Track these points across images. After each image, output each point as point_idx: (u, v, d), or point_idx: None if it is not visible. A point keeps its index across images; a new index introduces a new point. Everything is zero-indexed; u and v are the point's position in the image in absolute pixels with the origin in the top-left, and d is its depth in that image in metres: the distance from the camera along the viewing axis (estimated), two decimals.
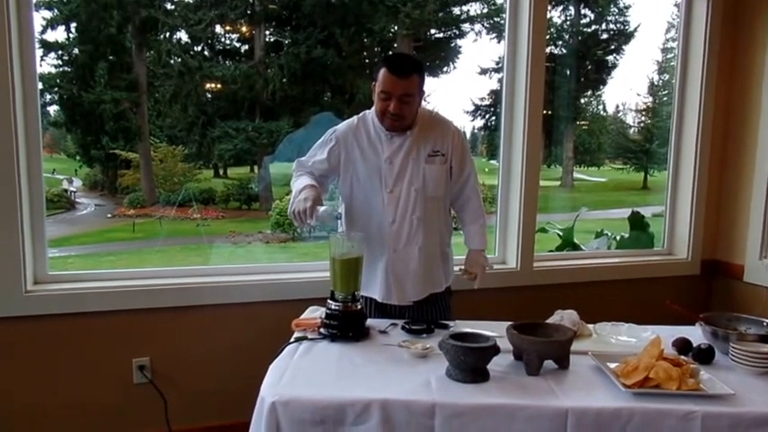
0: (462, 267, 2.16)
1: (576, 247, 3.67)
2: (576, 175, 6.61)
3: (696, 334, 1.85)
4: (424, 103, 2.01)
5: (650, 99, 6.58)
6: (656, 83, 6.40)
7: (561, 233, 3.80)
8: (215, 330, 2.57)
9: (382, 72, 1.87)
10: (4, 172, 2.19)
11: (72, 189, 5.05)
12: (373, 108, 1.97)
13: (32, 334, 2.33)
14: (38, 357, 2.36)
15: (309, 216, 1.80)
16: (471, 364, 1.52)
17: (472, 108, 5.84)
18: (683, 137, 3.16)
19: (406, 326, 1.95)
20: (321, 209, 1.82)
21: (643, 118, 6.72)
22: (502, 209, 2.91)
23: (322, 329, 1.88)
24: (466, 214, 2.16)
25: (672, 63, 3.40)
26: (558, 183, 6.27)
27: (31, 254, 2.32)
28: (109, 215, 4.55)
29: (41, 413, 2.39)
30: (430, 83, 5.46)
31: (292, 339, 1.84)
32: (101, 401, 2.45)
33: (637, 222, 3.49)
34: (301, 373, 1.58)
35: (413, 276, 2.04)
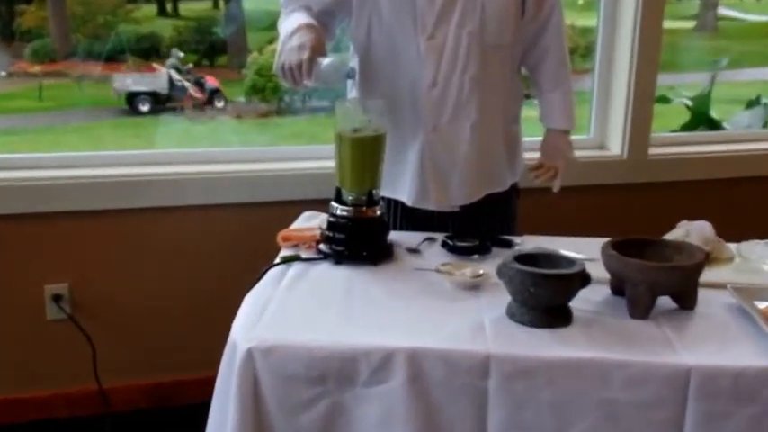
0: (535, 162, 2.21)
1: (714, 125, 3.64)
2: (721, 11, 6.31)
3: None
4: None
5: None
6: None
7: (691, 103, 3.75)
8: (164, 246, 2.65)
9: None
10: None
11: None
12: None
13: None
14: None
15: (306, 73, 1.81)
16: (546, 299, 1.49)
17: None
18: None
19: (449, 242, 1.95)
20: (324, 62, 1.82)
21: None
22: (602, 66, 2.88)
23: (322, 246, 1.88)
24: (544, 75, 2.15)
25: None
26: (693, 24, 5.98)
27: None
28: (2, 73, 4.44)
29: None
30: None
31: (278, 260, 1.85)
32: (1, 345, 2.56)
33: None
34: (291, 308, 1.59)
35: (461, 168, 2.07)
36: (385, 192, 2.05)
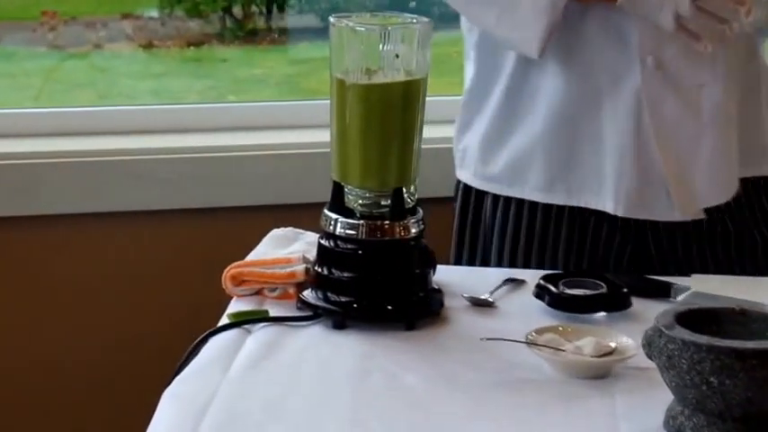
0: None
1: None
2: None
3: None
4: None
5: None
6: None
7: None
8: (25, 288, 2.65)
9: None
10: None
11: None
12: None
13: None
14: None
15: None
16: (745, 398, 1.32)
17: None
18: None
19: (551, 287, 1.78)
20: None
21: None
22: None
23: (307, 294, 1.73)
24: None
25: None
26: None
27: None
28: None
29: None
30: None
31: (224, 319, 1.73)
32: None
33: None
34: (249, 420, 1.43)
35: (709, 140, 2.00)
36: (562, 197, 2.02)
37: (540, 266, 2.05)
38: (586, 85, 2.02)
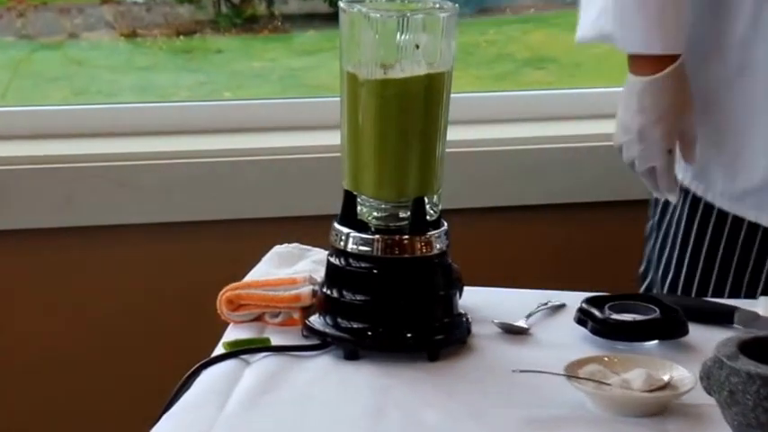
0: None
1: None
2: None
3: None
4: None
5: None
6: None
7: None
8: None
9: None
10: None
11: None
12: None
13: None
14: None
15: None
16: None
17: None
18: None
19: (595, 311, 1.74)
20: None
21: None
22: None
23: (314, 320, 1.69)
24: None
25: None
26: None
27: None
28: None
29: None
30: None
31: (220, 348, 1.71)
32: None
33: None
34: None
35: None
36: (723, 201, 2.06)
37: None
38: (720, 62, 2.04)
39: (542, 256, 2.67)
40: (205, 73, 3.79)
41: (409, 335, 1.62)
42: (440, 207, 1.73)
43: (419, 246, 1.64)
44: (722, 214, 2.12)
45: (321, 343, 1.64)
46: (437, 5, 1.71)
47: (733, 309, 1.80)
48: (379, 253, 1.64)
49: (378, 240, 1.63)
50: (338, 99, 1.70)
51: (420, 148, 1.66)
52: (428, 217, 1.67)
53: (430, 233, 1.66)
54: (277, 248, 2.00)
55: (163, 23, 3.82)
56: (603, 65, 3.09)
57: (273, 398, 1.51)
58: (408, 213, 1.65)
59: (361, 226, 1.66)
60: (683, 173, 2.18)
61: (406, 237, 1.64)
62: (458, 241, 1.85)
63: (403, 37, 1.62)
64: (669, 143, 2.00)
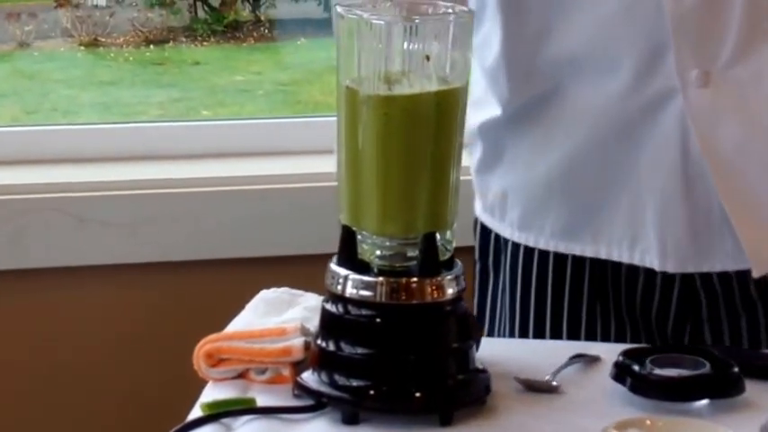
0: None
1: None
2: None
3: None
4: None
5: None
6: None
7: None
8: None
9: None
10: None
11: None
12: None
13: None
14: None
15: None
16: None
17: None
18: None
19: (634, 365, 1.71)
20: None
21: None
22: None
23: (307, 377, 1.64)
24: None
25: None
26: None
27: None
28: None
29: None
30: None
31: (197, 410, 1.65)
32: None
33: None
34: None
35: None
36: (588, 247, 2.08)
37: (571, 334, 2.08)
38: (606, 107, 2.02)
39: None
40: (179, 88, 3.81)
41: (418, 394, 1.55)
42: (453, 244, 1.65)
43: (429, 290, 1.58)
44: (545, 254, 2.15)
45: (315, 404, 1.57)
46: (450, 10, 1.66)
47: None
48: (383, 298, 1.58)
49: (381, 284, 1.58)
50: (334, 118, 1.63)
51: (430, 176, 1.61)
52: (440, 256, 1.61)
53: (442, 275, 1.59)
54: (264, 293, 1.92)
55: (129, 30, 3.83)
56: None
57: None
58: (417, 252, 1.59)
59: (361, 267, 1.59)
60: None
61: (415, 279, 1.58)
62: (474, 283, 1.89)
63: (411, 46, 1.57)
64: None
